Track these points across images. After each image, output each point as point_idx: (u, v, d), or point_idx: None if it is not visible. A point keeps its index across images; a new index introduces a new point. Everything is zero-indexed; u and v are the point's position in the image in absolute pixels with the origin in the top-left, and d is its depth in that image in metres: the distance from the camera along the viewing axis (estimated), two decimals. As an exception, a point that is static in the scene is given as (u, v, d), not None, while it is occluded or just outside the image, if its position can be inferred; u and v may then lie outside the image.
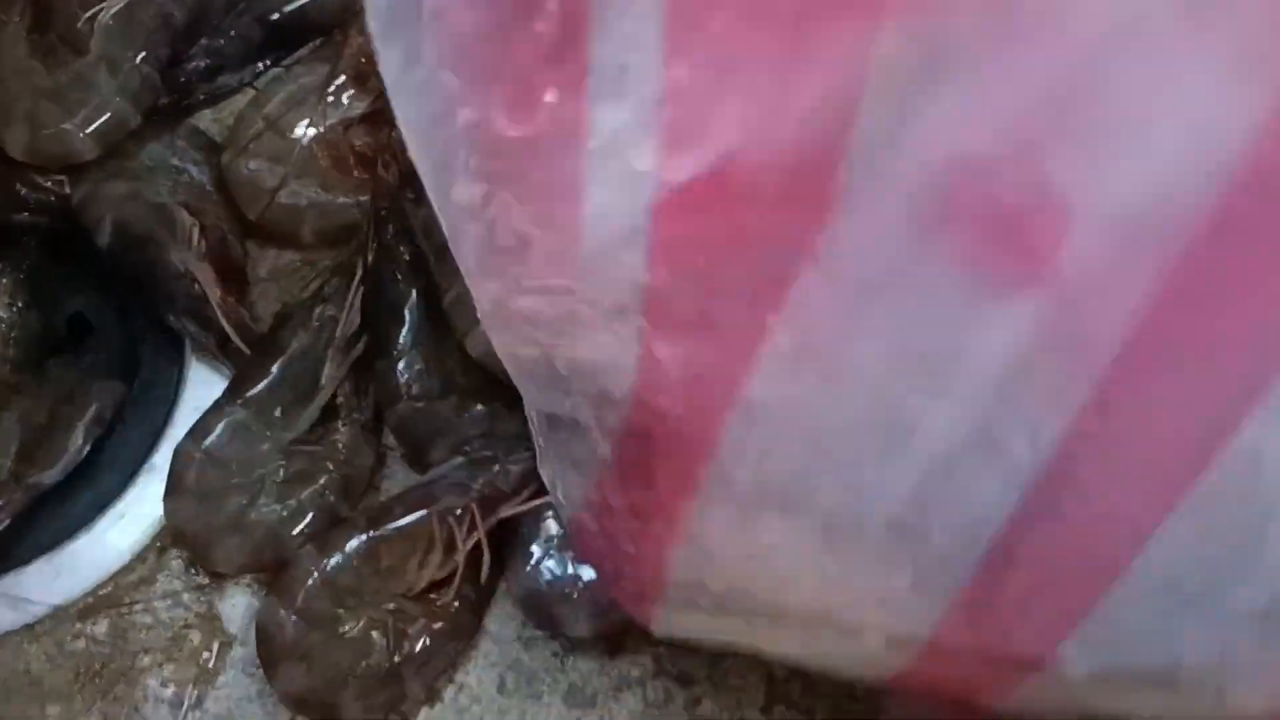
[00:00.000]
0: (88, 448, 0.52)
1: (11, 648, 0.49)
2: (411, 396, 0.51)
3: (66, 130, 0.54)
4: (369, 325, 0.52)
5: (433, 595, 0.48)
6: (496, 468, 0.48)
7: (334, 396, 0.51)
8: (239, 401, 0.51)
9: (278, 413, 0.51)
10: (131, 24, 0.57)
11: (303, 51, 0.62)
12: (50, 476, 0.51)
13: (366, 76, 0.58)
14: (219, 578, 0.50)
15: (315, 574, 0.47)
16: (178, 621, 0.49)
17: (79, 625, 0.49)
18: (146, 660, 0.49)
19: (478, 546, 0.47)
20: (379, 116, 0.58)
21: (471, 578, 0.48)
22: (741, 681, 0.48)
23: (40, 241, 0.57)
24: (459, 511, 0.47)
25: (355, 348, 0.51)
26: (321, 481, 0.49)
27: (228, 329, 0.51)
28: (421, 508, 0.48)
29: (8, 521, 0.50)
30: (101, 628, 0.49)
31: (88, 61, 0.55)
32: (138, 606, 0.50)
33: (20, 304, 0.56)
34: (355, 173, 0.57)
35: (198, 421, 0.51)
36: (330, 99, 0.58)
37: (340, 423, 0.50)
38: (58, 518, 0.52)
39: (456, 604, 0.47)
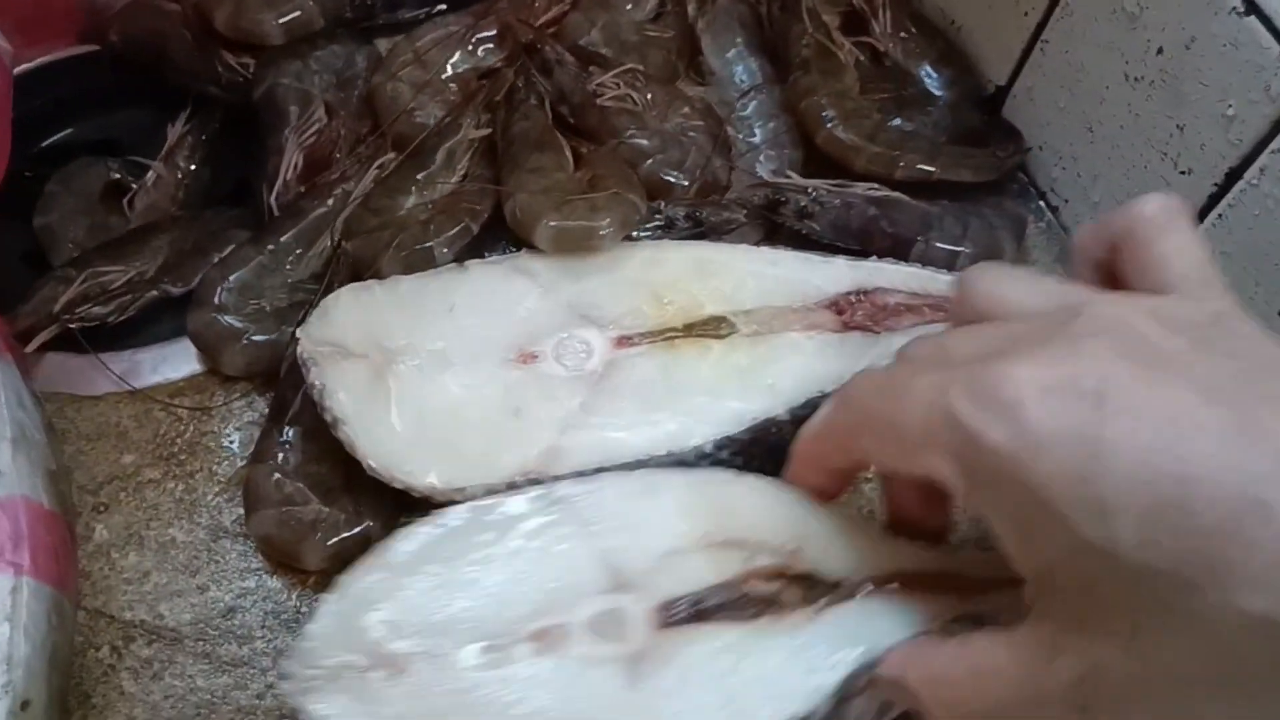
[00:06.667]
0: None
1: (111, 404, 0.59)
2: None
3: (262, 18, 0.67)
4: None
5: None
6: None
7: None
8: (267, 246, 0.61)
9: (290, 259, 0.61)
10: (332, -51, 0.69)
11: (465, -1, 0.72)
12: (178, 289, 0.63)
13: (504, 37, 0.69)
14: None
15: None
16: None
17: (167, 399, 0.59)
18: (209, 439, 0.58)
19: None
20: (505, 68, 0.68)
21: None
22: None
23: (225, 113, 0.70)
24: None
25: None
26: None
27: (269, 197, 0.63)
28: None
29: (135, 312, 0.62)
30: (184, 407, 0.59)
31: (293, -31, 0.68)
32: (217, 397, 0.59)
33: (197, 162, 0.69)
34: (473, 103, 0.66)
35: (229, 255, 0.61)
36: (470, 48, 0.69)
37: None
38: (172, 321, 0.62)
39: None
